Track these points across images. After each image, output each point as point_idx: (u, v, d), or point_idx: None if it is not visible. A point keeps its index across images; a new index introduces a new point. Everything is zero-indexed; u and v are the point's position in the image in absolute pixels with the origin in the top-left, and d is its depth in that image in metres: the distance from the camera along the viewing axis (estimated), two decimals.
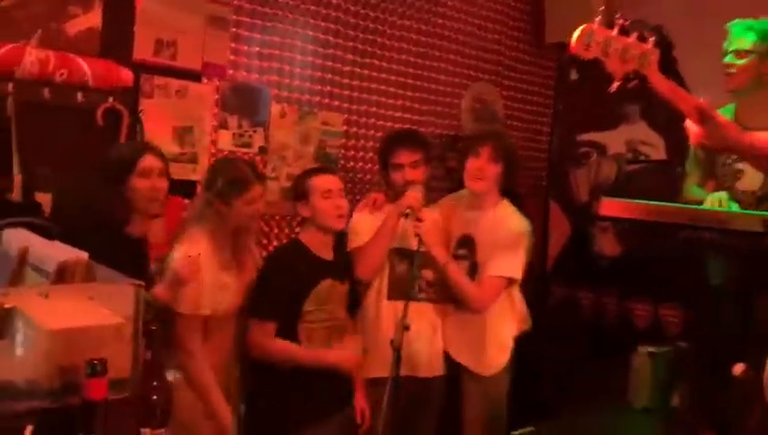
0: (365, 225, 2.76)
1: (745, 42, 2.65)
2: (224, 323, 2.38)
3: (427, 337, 2.79)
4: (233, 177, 2.35)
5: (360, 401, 2.69)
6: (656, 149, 4.19)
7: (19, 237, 1.77)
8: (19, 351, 1.36)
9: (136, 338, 1.45)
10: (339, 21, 3.51)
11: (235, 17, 3.13)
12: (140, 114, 2.82)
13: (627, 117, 4.28)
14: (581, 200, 4.48)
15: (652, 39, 1.51)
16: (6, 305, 1.37)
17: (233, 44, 3.13)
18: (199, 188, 2.51)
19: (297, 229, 2.81)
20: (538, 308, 3.28)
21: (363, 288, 2.79)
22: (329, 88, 3.50)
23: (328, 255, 2.59)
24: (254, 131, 3.23)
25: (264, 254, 3.00)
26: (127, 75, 2.73)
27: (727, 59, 2.70)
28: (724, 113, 2.38)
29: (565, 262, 4.51)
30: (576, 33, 1.44)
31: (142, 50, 2.83)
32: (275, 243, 3.27)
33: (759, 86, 2.68)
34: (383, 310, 2.76)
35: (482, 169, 2.75)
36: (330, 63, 3.49)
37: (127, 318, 1.45)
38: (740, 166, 2.65)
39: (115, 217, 2.18)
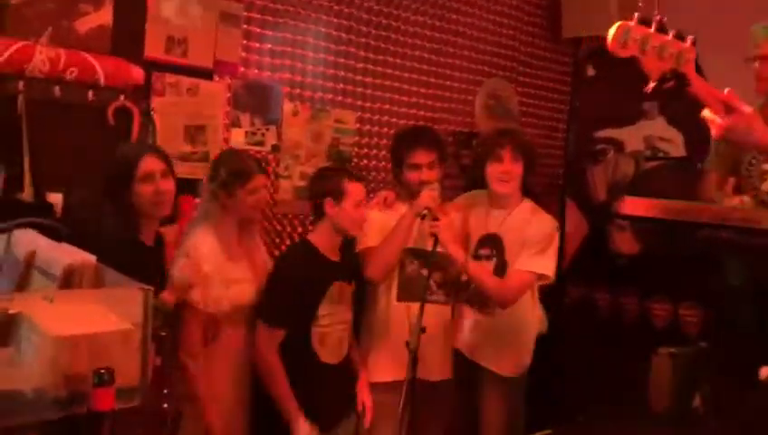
0: (376, 224, 2.70)
1: None
2: (235, 321, 2.35)
3: (439, 339, 2.74)
4: (235, 167, 2.37)
5: (363, 394, 2.64)
6: (674, 145, 4.12)
7: (27, 240, 1.73)
8: (24, 358, 1.32)
9: (145, 345, 1.40)
10: (351, 17, 3.47)
11: (246, 14, 3.10)
12: (152, 112, 2.80)
13: (645, 113, 4.21)
14: (599, 198, 4.40)
15: (690, 37, 1.45)
16: (11, 311, 1.33)
17: (244, 42, 3.10)
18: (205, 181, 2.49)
19: (311, 228, 2.76)
20: (554, 309, 3.23)
21: (369, 289, 2.75)
22: (342, 85, 3.46)
23: (335, 256, 2.56)
24: (267, 129, 3.20)
25: (276, 253, 2.97)
26: (138, 73, 2.71)
27: (756, 64, 2.67)
28: None
29: (582, 261, 4.42)
30: (612, 30, 1.37)
31: (153, 47, 2.81)
32: (288, 242, 3.24)
33: None
34: (393, 312, 2.71)
35: (508, 171, 2.72)
36: (342, 60, 3.45)
37: (135, 324, 1.41)
38: (767, 166, 2.60)
39: (124, 232, 2.11)
